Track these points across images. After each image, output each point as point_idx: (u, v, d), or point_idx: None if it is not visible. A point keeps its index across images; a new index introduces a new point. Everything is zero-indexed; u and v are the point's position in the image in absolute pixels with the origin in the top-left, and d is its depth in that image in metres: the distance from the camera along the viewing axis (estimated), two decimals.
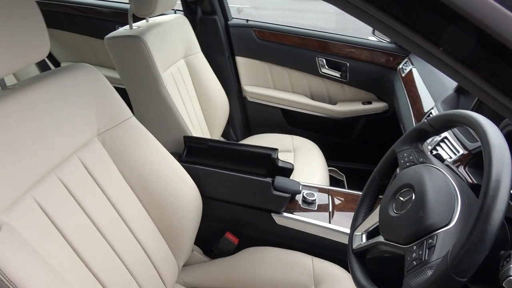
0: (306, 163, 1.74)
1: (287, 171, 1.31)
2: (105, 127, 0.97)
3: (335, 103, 2.07)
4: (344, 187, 1.94)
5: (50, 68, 2.15)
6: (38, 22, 0.78)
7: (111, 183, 0.96)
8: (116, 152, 0.99)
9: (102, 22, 2.21)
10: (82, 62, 2.56)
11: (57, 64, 2.45)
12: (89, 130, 0.94)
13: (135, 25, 1.51)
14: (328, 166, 1.88)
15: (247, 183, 1.19)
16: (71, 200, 0.86)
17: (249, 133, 2.21)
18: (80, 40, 2.31)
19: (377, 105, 1.98)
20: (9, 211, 0.70)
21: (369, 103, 2.00)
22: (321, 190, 1.33)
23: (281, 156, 1.82)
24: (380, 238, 0.75)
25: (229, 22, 2.05)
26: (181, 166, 1.12)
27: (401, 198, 0.74)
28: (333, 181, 1.97)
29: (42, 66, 2.07)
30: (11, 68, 0.74)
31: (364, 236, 0.84)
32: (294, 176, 1.66)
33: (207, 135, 1.84)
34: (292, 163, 1.74)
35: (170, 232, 1.07)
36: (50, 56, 2.42)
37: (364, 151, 2.07)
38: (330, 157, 2.03)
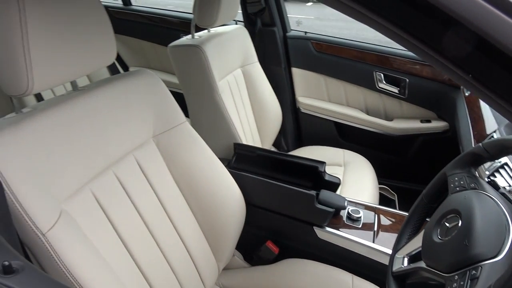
0: (356, 179, 1.70)
1: (334, 186, 1.30)
2: (160, 129, 1.03)
3: (391, 120, 2.01)
4: (395, 207, 1.87)
5: (119, 72, 2.32)
6: (107, 30, 0.86)
7: (162, 183, 1.02)
8: (168, 153, 1.05)
9: (168, 31, 2.34)
10: (148, 67, 2.75)
11: (125, 68, 2.63)
12: (145, 132, 1.00)
13: (197, 34, 1.59)
14: (379, 183, 1.82)
15: (291, 194, 1.20)
16: (124, 195, 0.93)
17: (300, 144, 2.21)
18: (147, 47, 2.47)
19: (437, 124, 1.89)
20: (69, 201, 0.77)
21: (428, 121, 1.91)
22: (367, 207, 1.30)
23: (331, 170, 1.80)
24: (422, 264, 0.73)
25: (288, 34, 2.08)
26: (228, 172, 1.15)
27: (447, 224, 0.71)
28: (384, 200, 1.91)
29: (112, 69, 2.24)
30: (82, 72, 0.82)
31: (405, 259, 0.81)
32: (342, 191, 1.64)
33: (258, 143, 1.87)
34: (341, 177, 1.72)
35: (212, 234, 1.11)
36: (120, 60, 2.60)
37: (419, 171, 1.98)
38: (382, 175, 1.96)
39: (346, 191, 1.63)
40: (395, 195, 1.92)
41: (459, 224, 0.66)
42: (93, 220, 0.83)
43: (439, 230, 0.72)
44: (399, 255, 0.84)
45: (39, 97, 1.74)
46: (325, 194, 1.23)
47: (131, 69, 2.63)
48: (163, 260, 0.99)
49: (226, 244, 1.14)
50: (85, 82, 2.06)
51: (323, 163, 1.30)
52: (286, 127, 2.15)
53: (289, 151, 2.14)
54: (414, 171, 2.01)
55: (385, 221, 1.25)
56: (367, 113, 2.06)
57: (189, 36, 1.56)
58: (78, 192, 0.81)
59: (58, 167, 0.75)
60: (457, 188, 0.75)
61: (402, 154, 2.03)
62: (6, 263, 0.45)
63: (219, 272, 1.16)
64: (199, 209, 1.09)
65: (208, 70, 1.43)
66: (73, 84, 0.90)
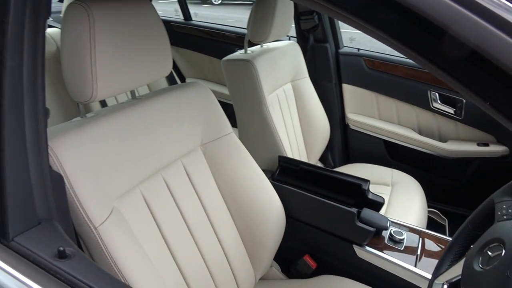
0: (403, 200, 1.65)
1: (377, 205, 1.27)
2: (208, 139, 1.09)
3: (445, 141, 1.93)
4: (444, 233, 1.78)
5: (176, 82, 2.45)
6: (165, 45, 0.94)
7: (206, 189, 1.07)
8: (214, 162, 1.10)
9: (224, 45, 2.44)
10: (203, 78, 2.86)
11: (182, 79, 2.77)
12: (194, 140, 1.07)
13: (250, 49, 1.66)
14: (429, 207, 1.75)
15: (332, 210, 1.20)
16: (170, 198, 0.99)
17: (347, 160, 2.18)
18: (204, 59, 2.59)
19: (495, 149, 1.79)
20: (120, 200, 0.84)
21: (486, 145, 1.81)
22: (412, 230, 1.26)
23: (377, 189, 1.76)
24: None
25: (340, 50, 2.09)
26: (270, 184, 1.18)
27: (489, 253, 0.68)
28: (433, 224, 1.83)
29: (170, 79, 2.38)
30: (140, 82, 0.90)
31: (445, 286, 0.78)
32: (387, 212, 1.60)
33: (304, 158, 1.88)
34: (387, 197, 1.68)
35: (251, 243, 1.14)
36: (178, 71, 2.75)
37: (473, 196, 1.87)
38: (433, 198, 1.88)
39: (391, 212, 1.58)
40: (446, 220, 1.83)
41: (502, 254, 0.64)
42: (141, 218, 0.89)
43: (480, 258, 0.69)
44: (438, 281, 0.81)
45: (103, 103, 1.89)
46: (367, 212, 1.21)
47: (187, 80, 2.76)
48: (201, 263, 1.04)
49: (264, 254, 1.16)
50: (145, 90, 2.21)
51: (367, 181, 1.28)
52: (334, 143, 2.14)
53: (335, 167, 2.12)
54: (468, 196, 1.90)
55: (430, 245, 1.21)
56: (420, 133, 1.99)
57: (243, 51, 1.63)
58: (129, 192, 0.88)
59: (113, 168, 0.82)
60: (504, 216, 0.72)
61: (455, 178, 1.93)
62: (61, 248, 0.52)
63: (256, 281, 1.19)
64: (239, 217, 1.13)
65: (258, 84, 1.48)
66: (132, 93, 0.99)
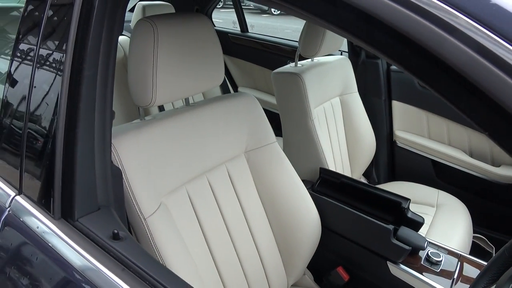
0: (447, 223, 1.61)
1: (416, 224, 1.27)
2: (252, 146, 1.16)
3: (498, 165, 1.85)
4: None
5: (229, 90, 2.56)
6: (218, 59, 1.02)
7: (246, 194, 1.14)
8: (256, 169, 1.17)
9: (277, 57, 2.52)
10: (255, 88, 2.95)
11: (235, 87, 2.89)
12: (239, 147, 1.14)
13: (301, 63, 1.71)
14: (476, 232, 1.69)
15: (368, 224, 1.22)
16: (213, 199, 1.07)
17: (392, 178, 2.16)
18: (257, 70, 2.69)
19: None
20: (168, 196, 0.94)
21: None
22: (451, 253, 1.24)
23: (420, 209, 1.73)
24: None
25: (391, 67, 2.08)
26: (308, 195, 1.22)
27: None
28: (479, 250, 1.75)
29: (224, 88, 2.50)
30: (195, 91, 0.99)
31: None
32: (429, 233, 1.57)
33: (347, 171, 1.89)
34: (431, 219, 1.65)
35: (286, 250, 1.19)
36: (232, 80, 2.87)
37: None
38: (480, 223, 1.81)
39: (433, 233, 1.55)
40: (493, 247, 1.75)
41: None
42: (185, 215, 0.98)
43: (510, 285, 0.69)
44: None
45: (160, 108, 2.05)
46: (404, 231, 1.21)
47: (239, 88, 2.87)
48: (237, 262, 1.10)
49: (298, 261, 1.20)
50: (199, 97, 2.34)
51: (407, 199, 1.28)
52: (379, 159, 2.12)
53: (379, 183, 2.10)
54: None
55: (468, 271, 1.18)
56: (471, 155, 1.92)
57: (293, 64, 1.69)
58: (176, 190, 0.97)
59: (163, 167, 0.92)
60: None
61: (507, 205, 1.84)
62: (115, 231, 0.61)
63: (288, 286, 1.23)
64: (276, 223, 1.18)
65: (304, 97, 1.53)
66: (186, 100, 1.09)
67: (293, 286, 1.30)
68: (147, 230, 0.83)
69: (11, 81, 0.70)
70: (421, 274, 1.15)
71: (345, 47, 2.16)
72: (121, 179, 0.76)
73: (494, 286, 0.75)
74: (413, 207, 1.65)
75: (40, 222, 0.64)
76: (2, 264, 0.65)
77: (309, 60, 1.78)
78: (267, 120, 1.20)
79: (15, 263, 0.64)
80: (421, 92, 1.99)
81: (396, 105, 2.08)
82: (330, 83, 1.75)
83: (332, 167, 1.70)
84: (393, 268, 1.18)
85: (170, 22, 0.88)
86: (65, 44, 0.63)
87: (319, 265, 1.30)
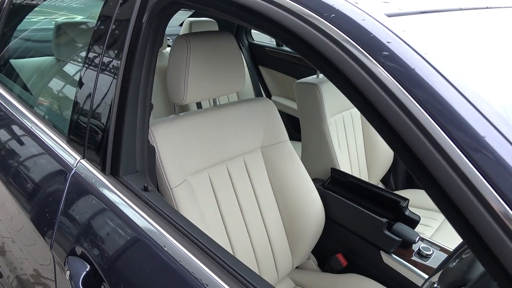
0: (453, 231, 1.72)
1: (412, 221, 1.41)
2: (267, 143, 1.37)
3: None
4: None
5: None
6: (240, 68, 1.25)
7: (260, 182, 1.35)
8: (269, 162, 1.37)
9: (306, 68, 2.72)
10: (287, 97, 3.13)
11: (269, 96, 3.12)
12: (256, 143, 1.35)
13: (322, 75, 1.91)
14: None
15: (365, 217, 1.38)
16: (230, 184, 1.29)
17: (410, 185, 2.26)
18: (289, 81, 2.90)
19: None
20: (192, 176, 1.17)
21: None
22: (443, 249, 1.37)
23: (431, 215, 1.84)
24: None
25: None
26: (314, 188, 1.41)
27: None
28: None
29: (258, 95, 2.73)
30: (218, 94, 1.22)
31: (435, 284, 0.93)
32: (434, 236, 1.69)
33: (364, 177, 2.04)
34: (437, 223, 1.76)
35: (292, 233, 1.38)
36: (266, 89, 3.10)
37: None
38: None
39: (437, 236, 1.67)
40: None
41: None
42: (205, 194, 1.20)
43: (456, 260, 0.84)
44: (432, 279, 0.96)
45: (198, 106, 2.31)
46: (399, 226, 1.36)
47: (273, 97, 3.09)
48: (248, 240, 1.31)
49: (302, 245, 1.38)
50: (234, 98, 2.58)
51: (406, 199, 1.43)
52: (398, 167, 2.24)
53: (396, 189, 2.22)
54: None
55: None
56: None
57: (315, 76, 1.89)
58: (199, 172, 1.20)
59: (190, 152, 1.15)
60: None
61: None
62: (145, 185, 0.84)
63: (293, 267, 1.41)
64: (285, 211, 1.37)
65: (320, 105, 1.72)
66: (214, 101, 1.32)
67: (298, 268, 1.48)
68: (172, 198, 1.07)
69: (83, 79, 0.98)
70: (411, 264, 1.29)
71: None
72: (154, 155, 1.00)
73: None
74: (423, 213, 1.78)
75: (95, 177, 0.90)
76: (69, 204, 0.91)
77: None
78: (282, 121, 1.41)
79: (77, 204, 0.89)
80: None
81: None
82: None
83: (348, 171, 1.87)
84: (385, 257, 1.33)
85: (201, 39, 1.13)
86: (120, 54, 0.88)
87: (322, 252, 1.47)
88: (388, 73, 0.50)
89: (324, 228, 1.42)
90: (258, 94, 2.77)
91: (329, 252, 1.47)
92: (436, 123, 0.46)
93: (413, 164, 0.48)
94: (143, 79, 0.90)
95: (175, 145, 1.10)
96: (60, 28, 1.69)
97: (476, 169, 0.43)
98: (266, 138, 1.37)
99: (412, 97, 0.47)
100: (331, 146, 1.74)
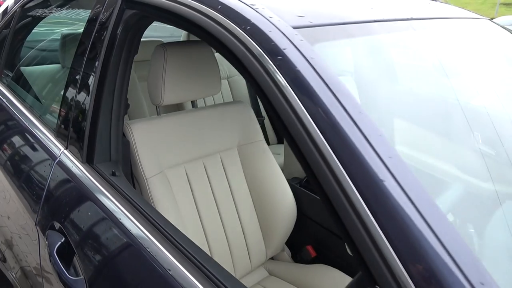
0: None
1: None
2: (243, 142, 1.49)
3: None
4: None
5: (258, 103, 2.91)
6: (215, 73, 1.38)
7: (235, 178, 1.47)
8: (245, 160, 1.50)
9: None
10: None
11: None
12: (232, 142, 1.48)
13: None
14: None
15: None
16: (206, 179, 1.41)
17: None
18: None
19: None
20: (168, 170, 1.29)
21: None
22: None
23: None
24: None
25: None
26: (287, 184, 1.52)
27: None
28: None
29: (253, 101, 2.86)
30: (194, 97, 1.36)
31: None
32: None
33: None
34: None
35: (266, 226, 1.49)
36: None
37: None
38: None
39: None
40: None
41: None
42: (181, 188, 1.33)
43: None
44: None
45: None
46: None
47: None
48: (222, 233, 1.42)
49: (275, 237, 1.50)
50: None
51: None
52: None
53: None
54: None
55: None
56: None
57: None
58: (176, 166, 1.33)
59: (167, 147, 1.28)
60: None
61: None
62: (113, 171, 0.98)
63: (267, 257, 1.52)
64: (259, 205, 1.49)
65: None
66: (193, 102, 1.46)
67: (273, 259, 1.59)
68: (148, 188, 1.20)
69: (69, 82, 1.13)
70: None
71: None
72: (129, 148, 1.14)
73: None
74: None
75: (74, 164, 1.05)
76: (52, 186, 1.06)
77: None
78: (258, 123, 1.53)
79: (58, 186, 1.04)
80: None
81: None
82: None
83: None
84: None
85: (177, 48, 1.27)
86: (98, 59, 1.03)
87: (295, 244, 1.58)
88: (280, 73, 0.62)
89: (298, 222, 1.52)
90: (253, 100, 2.89)
91: (301, 244, 1.58)
92: (306, 111, 0.58)
93: (293, 147, 0.60)
94: (118, 81, 1.05)
95: (152, 140, 1.24)
96: (64, 38, 1.87)
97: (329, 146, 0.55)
98: (243, 138, 1.50)
99: (293, 90, 0.60)
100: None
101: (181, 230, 1.23)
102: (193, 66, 1.31)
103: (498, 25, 1.38)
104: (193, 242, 0.85)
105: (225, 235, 1.43)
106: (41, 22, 1.76)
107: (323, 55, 0.65)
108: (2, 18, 1.79)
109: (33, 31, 1.78)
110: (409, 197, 0.51)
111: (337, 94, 0.57)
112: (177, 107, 2.42)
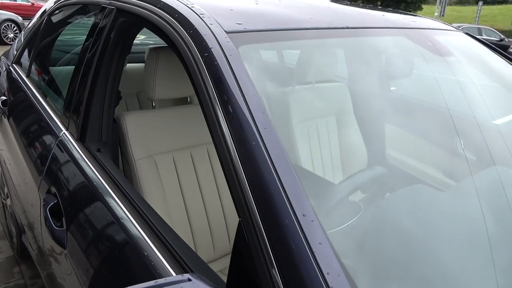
0: None
1: None
2: None
3: None
4: None
5: None
6: None
7: (219, 168, 1.65)
8: None
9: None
10: None
11: None
12: None
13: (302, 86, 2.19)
14: None
15: None
16: (192, 167, 1.60)
17: None
18: None
19: None
20: (157, 156, 1.48)
21: None
22: None
23: None
24: None
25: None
26: None
27: None
28: None
29: None
30: (181, 94, 1.55)
31: None
32: None
33: (339, 175, 2.27)
34: None
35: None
36: None
37: None
38: None
39: None
40: None
41: None
42: (168, 173, 1.51)
43: None
44: None
45: None
46: None
47: None
48: (204, 215, 1.58)
49: None
50: None
51: None
52: None
53: None
54: None
55: None
56: None
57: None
58: (164, 153, 1.53)
59: (157, 134, 1.48)
60: None
61: None
62: (99, 147, 1.20)
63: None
64: None
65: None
66: (185, 99, 1.67)
67: None
68: (135, 169, 1.41)
69: (73, 76, 1.38)
70: None
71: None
72: (121, 133, 1.36)
73: None
74: None
75: (70, 142, 1.28)
76: (52, 159, 1.30)
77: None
78: None
79: (56, 159, 1.28)
80: None
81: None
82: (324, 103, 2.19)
83: (320, 171, 2.11)
84: None
85: (168, 51, 1.48)
86: (95, 57, 1.26)
87: None
88: (207, 69, 0.81)
89: None
90: None
91: None
92: (218, 97, 0.76)
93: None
94: (111, 75, 1.27)
95: (143, 128, 1.45)
96: None
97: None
98: None
99: (212, 81, 0.78)
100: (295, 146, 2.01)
101: (164, 210, 1.44)
102: (181, 67, 1.51)
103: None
104: (158, 214, 1.01)
105: (206, 217, 1.61)
106: (63, 28, 2.04)
107: (243, 54, 0.83)
108: (39, 18, 2.10)
109: (56, 35, 2.07)
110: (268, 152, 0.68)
111: (239, 81, 0.75)
112: (174, 104, 2.68)
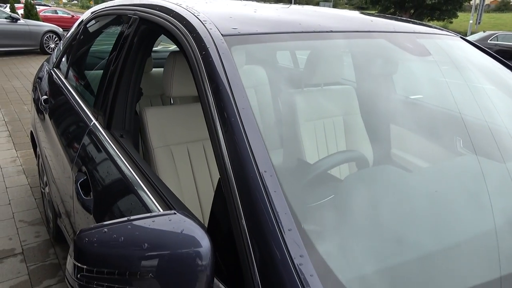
0: None
1: None
2: None
3: None
4: None
5: None
6: None
7: None
8: None
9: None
10: None
11: None
12: None
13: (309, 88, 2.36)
14: None
15: None
16: (204, 158, 1.80)
17: None
18: None
19: None
20: (174, 146, 1.70)
21: None
22: None
23: None
24: None
25: None
26: None
27: None
28: None
29: None
30: (194, 92, 1.77)
31: None
32: None
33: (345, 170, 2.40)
34: None
35: None
36: None
37: None
38: None
39: None
40: None
41: None
42: (182, 161, 1.73)
43: None
44: None
45: None
46: None
47: None
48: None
49: None
50: None
51: None
52: None
53: None
54: None
55: None
56: None
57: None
58: (179, 144, 1.74)
59: (173, 129, 1.70)
60: None
61: None
62: (121, 134, 1.41)
63: None
64: None
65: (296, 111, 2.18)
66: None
67: None
68: (154, 156, 1.62)
69: (103, 76, 1.62)
70: None
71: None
72: (138, 125, 1.58)
73: None
74: None
75: (98, 130, 1.51)
76: (83, 145, 1.53)
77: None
78: None
79: (87, 144, 1.52)
80: None
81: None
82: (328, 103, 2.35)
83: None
84: None
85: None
86: (119, 59, 1.49)
87: None
88: (203, 64, 1.00)
89: None
90: None
91: None
92: (210, 86, 0.95)
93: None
94: (134, 75, 1.50)
95: (161, 121, 1.67)
96: None
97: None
98: None
99: (205, 71, 0.97)
100: (300, 141, 2.18)
101: (178, 190, 1.64)
102: None
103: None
104: (171, 191, 1.19)
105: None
106: (95, 36, 2.32)
107: (234, 52, 1.02)
108: (76, 27, 2.39)
109: (90, 43, 2.35)
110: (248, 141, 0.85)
111: (228, 75, 0.94)
112: (192, 102, 2.92)
